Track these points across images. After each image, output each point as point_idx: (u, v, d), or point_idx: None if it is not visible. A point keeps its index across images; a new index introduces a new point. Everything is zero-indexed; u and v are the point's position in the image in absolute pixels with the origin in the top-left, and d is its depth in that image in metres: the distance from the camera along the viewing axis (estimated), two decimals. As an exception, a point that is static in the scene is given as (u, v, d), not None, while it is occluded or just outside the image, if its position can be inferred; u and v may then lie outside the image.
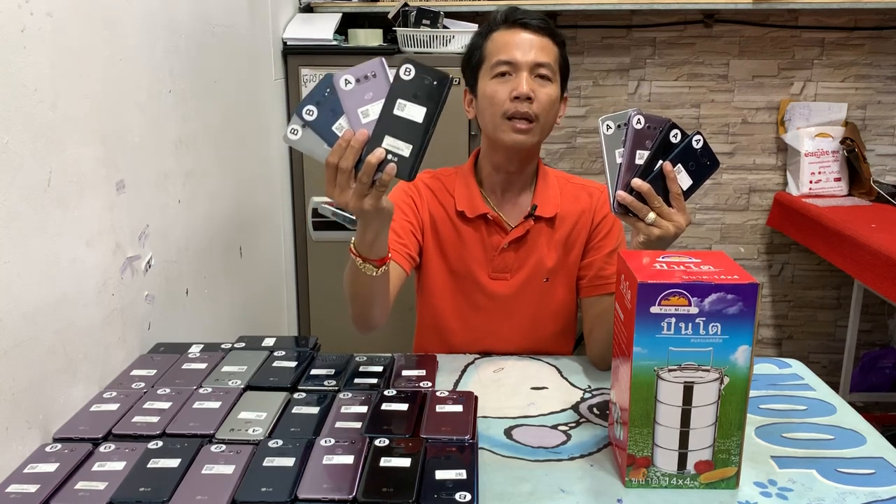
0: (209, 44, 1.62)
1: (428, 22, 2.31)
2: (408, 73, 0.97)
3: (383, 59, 0.99)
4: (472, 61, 1.42)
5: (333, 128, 0.98)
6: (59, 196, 1.03)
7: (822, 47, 2.79)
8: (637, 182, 1.10)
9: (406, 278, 1.40)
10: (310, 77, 2.30)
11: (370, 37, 2.35)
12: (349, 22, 2.47)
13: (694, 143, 1.12)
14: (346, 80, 0.97)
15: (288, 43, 2.29)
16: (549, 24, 1.38)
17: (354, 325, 1.32)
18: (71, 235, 1.07)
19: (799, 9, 2.68)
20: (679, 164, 1.11)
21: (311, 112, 0.98)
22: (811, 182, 2.77)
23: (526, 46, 1.35)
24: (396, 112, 0.97)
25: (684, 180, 1.12)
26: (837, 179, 2.78)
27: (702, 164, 1.13)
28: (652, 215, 1.11)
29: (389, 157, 0.98)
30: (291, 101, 2.30)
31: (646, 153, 1.12)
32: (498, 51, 1.36)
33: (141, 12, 1.29)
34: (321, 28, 2.33)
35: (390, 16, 2.36)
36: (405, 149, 0.98)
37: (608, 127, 1.12)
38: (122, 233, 1.21)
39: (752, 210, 2.94)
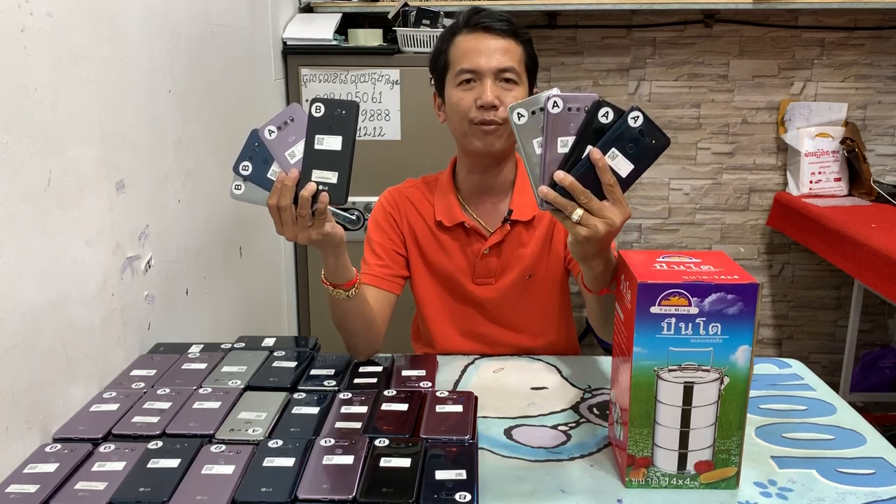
0: (209, 44, 1.62)
1: (428, 22, 2.31)
2: (318, 110, 1.06)
3: (297, 104, 1.09)
4: (438, 66, 1.40)
5: (268, 175, 1.07)
6: (59, 196, 1.03)
7: (822, 47, 2.78)
8: (559, 175, 0.93)
9: (396, 299, 1.43)
10: (310, 77, 2.30)
11: (370, 37, 2.35)
12: (349, 22, 2.47)
13: (630, 122, 0.93)
14: (269, 130, 1.06)
15: (288, 43, 2.29)
16: (512, 24, 1.35)
17: (350, 354, 1.31)
18: (71, 235, 1.07)
19: (799, 9, 2.68)
20: (613, 149, 0.94)
21: (246, 168, 1.07)
22: (811, 182, 2.77)
23: (489, 52, 1.32)
24: (317, 147, 1.06)
25: (623, 166, 0.95)
26: (837, 179, 2.78)
27: (644, 145, 0.94)
28: (578, 212, 0.94)
29: (321, 187, 1.06)
30: (291, 101, 2.30)
31: (571, 140, 0.95)
32: (461, 58, 1.34)
33: (141, 12, 1.29)
34: (321, 28, 2.33)
35: (390, 16, 2.36)
36: (332, 177, 1.06)
37: (519, 116, 0.95)
38: (122, 233, 1.21)
39: (752, 210, 2.93)
